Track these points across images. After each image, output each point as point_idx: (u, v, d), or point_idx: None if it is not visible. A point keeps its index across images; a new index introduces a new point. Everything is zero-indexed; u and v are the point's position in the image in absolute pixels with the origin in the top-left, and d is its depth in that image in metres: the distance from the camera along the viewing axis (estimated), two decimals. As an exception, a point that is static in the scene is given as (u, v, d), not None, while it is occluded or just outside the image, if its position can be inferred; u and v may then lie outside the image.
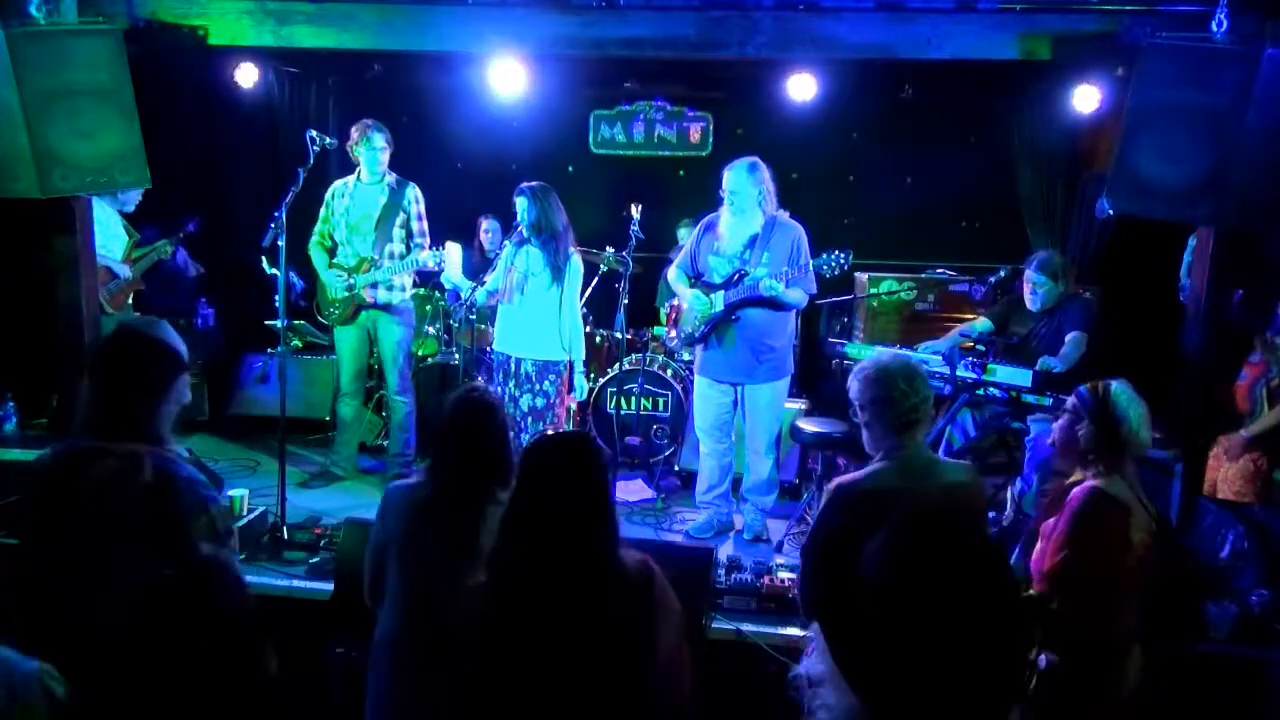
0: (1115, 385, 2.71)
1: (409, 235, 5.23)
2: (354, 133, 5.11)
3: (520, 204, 4.73)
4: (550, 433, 2.24)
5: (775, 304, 4.52)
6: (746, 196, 4.51)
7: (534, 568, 1.99)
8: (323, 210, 5.25)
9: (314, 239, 5.24)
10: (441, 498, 2.54)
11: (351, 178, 5.24)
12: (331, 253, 5.25)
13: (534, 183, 4.77)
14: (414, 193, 5.22)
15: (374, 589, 2.66)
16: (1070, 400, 2.79)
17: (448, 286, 5.87)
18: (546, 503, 2.03)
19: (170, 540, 2.12)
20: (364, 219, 5.17)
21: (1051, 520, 2.74)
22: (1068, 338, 4.63)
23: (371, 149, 5.08)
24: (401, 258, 5.18)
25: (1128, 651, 2.67)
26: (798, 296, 4.54)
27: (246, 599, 1.54)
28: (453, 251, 5.17)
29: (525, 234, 4.74)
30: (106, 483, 2.17)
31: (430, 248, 5.18)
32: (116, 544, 2.15)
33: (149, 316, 2.57)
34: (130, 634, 1.40)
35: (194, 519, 2.21)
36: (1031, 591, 2.74)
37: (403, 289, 5.29)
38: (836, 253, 4.47)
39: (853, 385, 2.73)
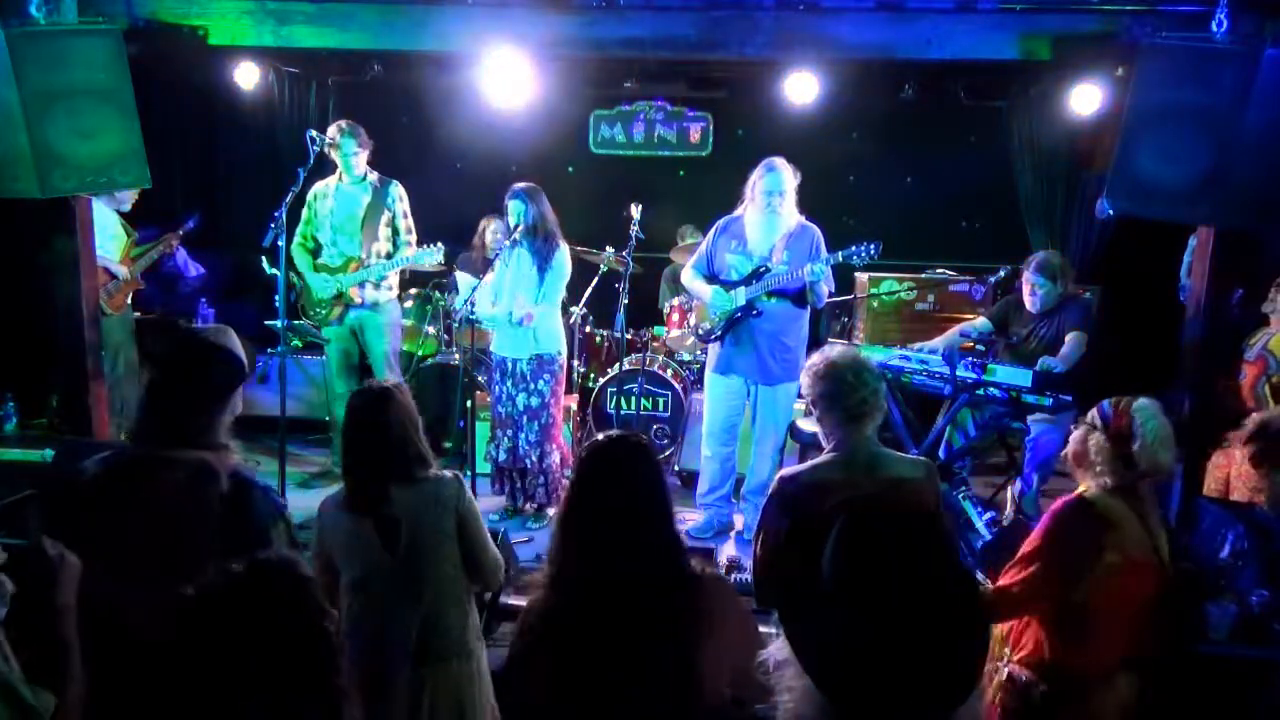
0: (1139, 400, 2.53)
1: (395, 234, 5.24)
2: (329, 135, 5.05)
3: (515, 207, 4.72)
4: (607, 435, 2.29)
5: (796, 299, 4.54)
6: (789, 196, 4.52)
7: (600, 566, 2.04)
8: (305, 212, 5.24)
9: (296, 240, 5.20)
10: (354, 494, 2.57)
11: (333, 179, 5.23)
12: (315, 254, 5.26)
13: (524, 184, 4.77)
14: (397, 190, 5.23)
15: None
16: (1091, 411, 2.62)
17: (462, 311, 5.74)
18: (610, 501, 2.13)
19: (251, 550, 2.07)
20: (349, 219, 5.18)
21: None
22: (1067, 338, 4.63)
23: (344, 154, 5.07)
24: (389, 256, 5.19)
25: (1108, 680, 2.50)
26: (821, 291, 4.55)
27: (321, 606, 1.52)
28: (482, 291, 4.83)
29: (519, 237, 4.74)
30: (178, 492, 2.11)
31: (418, 245, 5.18)
32: (187, 553, 2.01)
33: (218, 325, 2.53)
34: (186, 640, 1.37)
35: (273, 527, 2.19)
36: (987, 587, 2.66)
37: (390, 288, 5.31)
38: (865, 243, 4.40)
39: (804, 381, 2.74)
